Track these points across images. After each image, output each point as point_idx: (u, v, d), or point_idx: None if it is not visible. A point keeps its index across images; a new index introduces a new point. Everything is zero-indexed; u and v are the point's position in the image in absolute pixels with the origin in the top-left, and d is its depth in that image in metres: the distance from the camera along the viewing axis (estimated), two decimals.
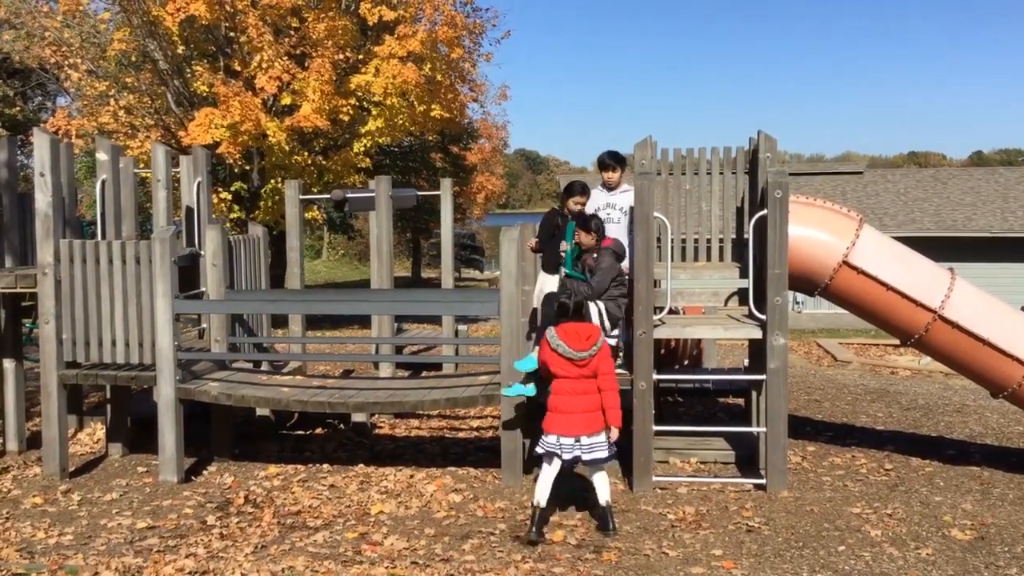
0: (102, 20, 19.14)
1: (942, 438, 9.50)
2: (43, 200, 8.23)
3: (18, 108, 25.34)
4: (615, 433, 6.49)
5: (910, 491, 7.53)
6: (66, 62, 18.58)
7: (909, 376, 13.83)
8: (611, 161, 8.23)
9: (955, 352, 7.94)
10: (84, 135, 18.27)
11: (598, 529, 6.58)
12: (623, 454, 7.90)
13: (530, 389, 7.30)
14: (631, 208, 7.84)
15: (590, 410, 6.42)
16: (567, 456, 6.42)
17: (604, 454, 6.46)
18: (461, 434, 9.92)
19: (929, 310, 7.76)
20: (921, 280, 7.85)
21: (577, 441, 6.39)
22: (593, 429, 6.41)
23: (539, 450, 6.53)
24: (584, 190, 8.22)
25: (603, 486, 6.61)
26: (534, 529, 6.36)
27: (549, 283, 8.00)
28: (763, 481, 7.53)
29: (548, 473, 6.50)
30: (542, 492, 6.46)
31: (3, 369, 9.27)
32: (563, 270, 7.69)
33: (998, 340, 7.71)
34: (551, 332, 6.51)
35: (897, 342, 8.74)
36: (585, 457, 6.43)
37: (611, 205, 8.28)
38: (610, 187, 8.32)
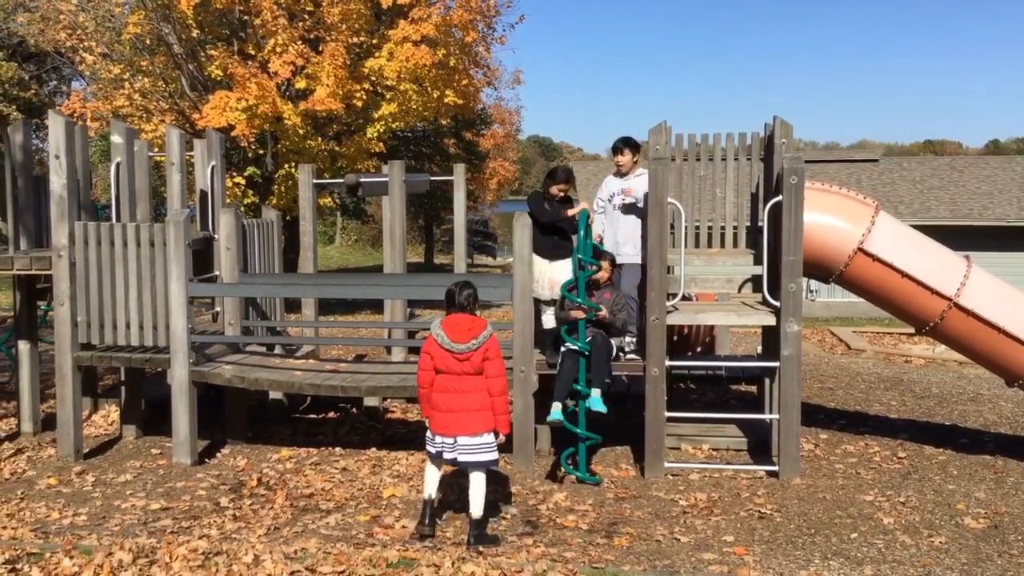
0: (117, 3, 19.18)
1: (956, 427, 9.46)
2: (58, 182, 8.25)
3: (33, 91, 25.44)
4: (501, 439, 6.13)
5: (923, 479, 7.50)
6: (81, 45, 18.64)
7: (923, 365, 13.76)
8: (622, 144, 8.31)
9: (970, 340, 7.89)
10: (99, 118, 18.34)
11: (470, 544, 5.95)
12: (636, 439, 7.90)
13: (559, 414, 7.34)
14: (645, 194, 7.81)
15: (471, 410, 5.96)
16: (447, 456, 6.06)
17: (482, 457, 6.03)
18: None
19: (945, 298, 7.71)
20: (937, 268, 7.79)
21: (455, 441, 5.99)
22: (473, 430, 5.96)
23: (428, 448, 6.18)
24: (567, 178, 8.19)
25: (477, 494, 6.05)
26: (427, 522, 6.13)
27: (560, 271, 7.94)
28: (775, 468, 7.51)
29: (432, 470, 6.24)
30: (429, 486, 6.23)
31: (18, 351, 9.35)
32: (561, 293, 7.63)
33: (1014, 328, 7.66)
34: (436, 323, 6.14)
35: (911, 330, 8.68)
36: (461, 459, 6.02)
37: (625, 190, 8.27)
38: (622, 172, 8.33)
